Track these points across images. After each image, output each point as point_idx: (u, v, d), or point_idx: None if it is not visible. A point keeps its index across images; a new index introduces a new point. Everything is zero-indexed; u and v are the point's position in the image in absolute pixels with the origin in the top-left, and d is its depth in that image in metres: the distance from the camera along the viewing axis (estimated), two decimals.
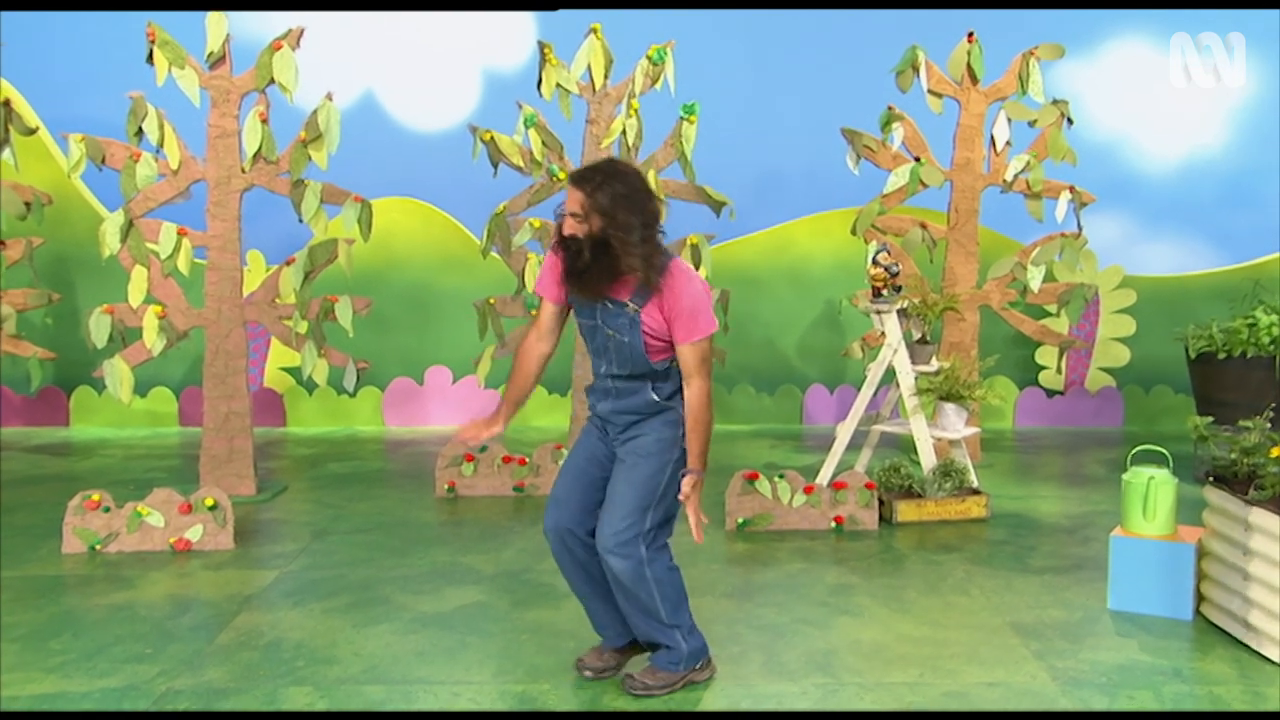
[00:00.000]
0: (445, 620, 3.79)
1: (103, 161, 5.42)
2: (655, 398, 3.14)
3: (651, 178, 5.93)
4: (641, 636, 3.26)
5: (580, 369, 6.18)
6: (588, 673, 3.31)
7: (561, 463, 3.26)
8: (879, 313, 5.51)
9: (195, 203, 5.65)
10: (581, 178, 3.03)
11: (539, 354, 3.27)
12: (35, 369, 6.57)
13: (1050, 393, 8.04)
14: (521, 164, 5.93)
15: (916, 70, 6.40)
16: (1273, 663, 3.38)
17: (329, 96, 5.44)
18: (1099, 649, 3.53)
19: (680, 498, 3.10)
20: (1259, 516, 3.46)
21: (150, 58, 5.37)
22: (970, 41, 6.41)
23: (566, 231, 3.04)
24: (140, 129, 5.36)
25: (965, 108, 6.49)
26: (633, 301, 3.05)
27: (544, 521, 3.25)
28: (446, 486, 5.67)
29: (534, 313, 6.01)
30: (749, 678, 3.31)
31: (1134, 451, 4.18)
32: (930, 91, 6.45)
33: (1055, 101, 6.43)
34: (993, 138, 6.49)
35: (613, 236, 2.97)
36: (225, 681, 3.28)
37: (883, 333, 5.55)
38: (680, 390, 3.14)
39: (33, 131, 6.30)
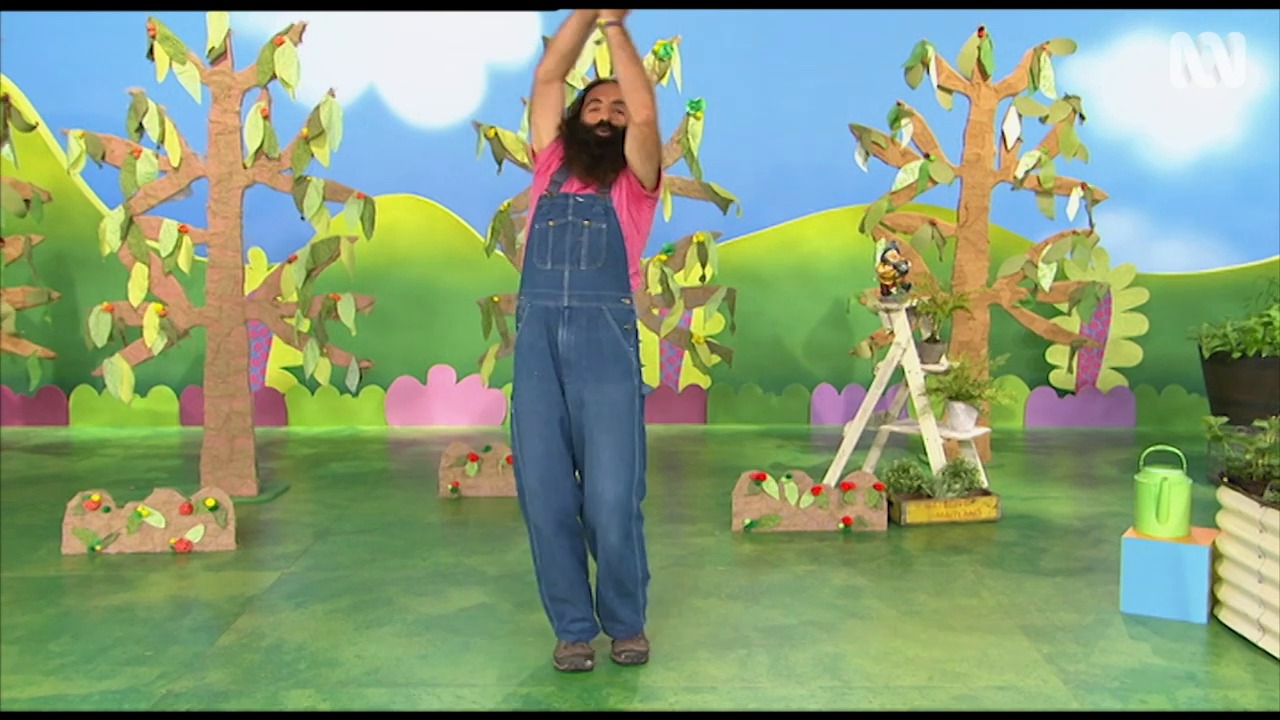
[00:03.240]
0: (449, 622, 3.75)
1: (103, 158, 5.38)
2: (617, 331, 3.19)
3: None
4: (609, 603, 3.33)
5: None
6: (589, 662, 3.33)
7: (524, 444, 3.23)
8: (888, 311, 5.46)
9: (196, 200, 5.61)
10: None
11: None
12: (34, 368, 6.54)
13: (1061, 392, 7.98)
14: (526, 161, 5.88)
15: (926, 66, 6.35)
16: None
17: (331, 92, 5.40)
18: (1111, 652, 3.48)
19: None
20: (1274, 518, 3.40)
21: (151, 53, 5.34)
22: (981, 36, 6.35)
23: (604, 118, 3.25)
24: (141, 125, 5.32)
25: (975, 104, 6.43)
26: (601, 192, 3.23)
27: (534, 514, 3.24)
28: (450, 487, 5.63)
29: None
30: (756, 680, 3.26)
31: (1147, 452, 4.13)
32: (940, 87, 6.39)
33: (1067, 97, 6.38)
34: (1003, 134, 6.43)
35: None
36: (226, 684, 3.24)
37: (891, 331, 5.50)
38: (633, 329, 3.26)
39: (32, 128, 6.27)
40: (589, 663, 3.32)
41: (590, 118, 3.28)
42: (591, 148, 3.23)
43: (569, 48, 3.24)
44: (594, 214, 3.21)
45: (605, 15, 3.14)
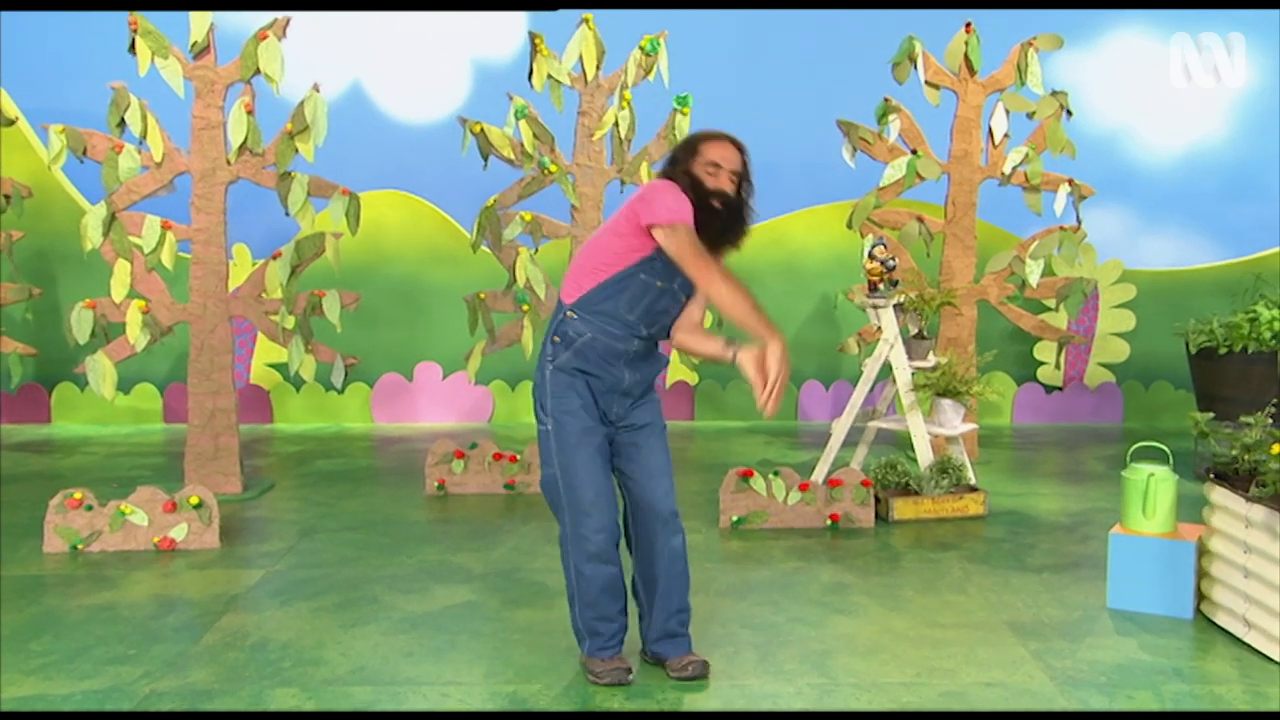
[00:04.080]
0: (434, 620, 3.73)
1: (84, 153, 5.33)
2: (663, 357, 3.33)
3: (644, 171, 5.86)
4: (668, 622, 3.27)
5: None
6: (631, 675, 3.22)
7: (577, 461, 3.15)
8: (875, 307, 5.45)
9: (179, 196, 5.56)
10: (739, 145, 3.20)
11: None
12: (15, 365, 6.48)
13: (1049, 388, 7.99)
14: (512, 156, 5.85)
15: (913, 61, 6.33)
16: (1274, 661, 3.33)
17: (316, 87, 5.36)
18: (1098, 648, 3.48)
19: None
20: (1260, 514, 3.41)
21: (132, 47, 5.28)
22: (968, 32, 6.35)
23: (726, 187, 3.13)
24: (122, 120, 5.27)
25: (963, 99, 6.42)
26: None
27: (600, 536, 3.12)
28: (436, 484, 5.60)
29: (525, 307, 5.93)
30: (743, 678, 3.25)
31: (1134, 448, 4.12)
32: (927, 83, 6.38)
33: (1054, 93, 6.37)
34: (990, 130, 6.43)
35: (747, 205, 3.21)
36: (210, 683, 3.21)
37: (879, 328, 5.49)
38: None
39: (12, 122, 6.21)
40: (631, 676, 3.21)
41: (710, 182, 3.11)
42: (723, 215, 3.11)
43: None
44: (689, 290, 3.18)
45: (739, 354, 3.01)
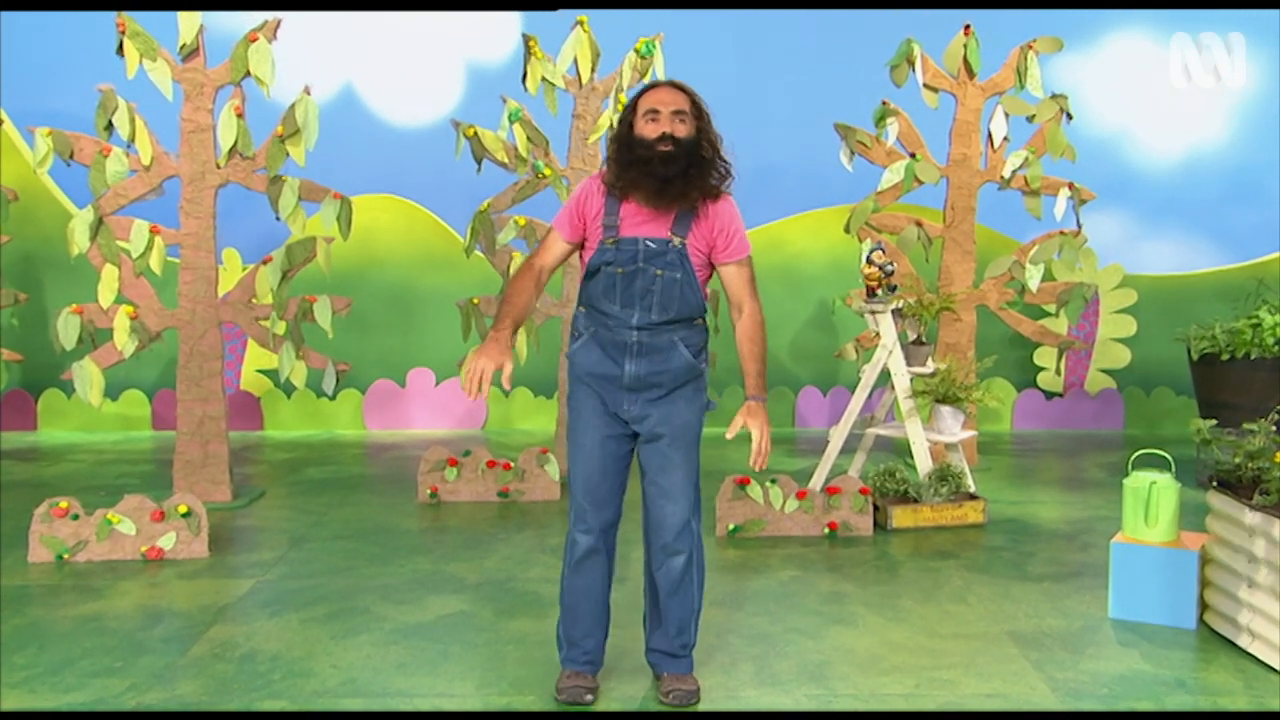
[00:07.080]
0: (427, 630, 3.68)
1: (71, 156, 5.27)
2: (689, 357, 2.99)
3: None
4: (663, 640, 3.16)
5: (565, 370, 6.05)
6: (589, 696, 3.12)
7: (574, 459, 3.07)
8: (873, 313, 5.40)
9: (168, 199, 5.51)
10: (680, 85, 2.97)
11: (540, 281, 3.04)
12: (1, 371, 6.42)
13: (1049, 395, 7.95)
14: (506, 160, 5.81)
15: (912, 64, 6.30)
16: (1277, 672, 3.28)
17: (307, 90, 5.31)
18: (1100, 659, 3.43)
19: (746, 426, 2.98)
20: (1263, 522, 3.36)
21: (120, 49, 5.23)
22: (967, 35, 6.31)
23: (666, 130, 2.87)
24: (110, 123, 5.22)
25: (962, 102, 6.38)
26: (675, 234, 2.93)
27: (585, 539, 3.04)
28: (429, 492, 5.54)
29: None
30: (739, 688, 3.20)
31: (1135, 455, 4.09)
32: (926, 86, 6.34)
33: (1054, 96, 6.34)
34: (990, 133, 6.39)
35: (706, 145, 2.92)
36: (198, 695, 3.16)
37: (877, 333, 5.44)
38: (706, 346, 3.07)
39: None
40: (589, 696, 3.12)
41: (649, 130, 2.88)
42: (655, 166, 2.85)
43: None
44: (667, 262, 2.92)
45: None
